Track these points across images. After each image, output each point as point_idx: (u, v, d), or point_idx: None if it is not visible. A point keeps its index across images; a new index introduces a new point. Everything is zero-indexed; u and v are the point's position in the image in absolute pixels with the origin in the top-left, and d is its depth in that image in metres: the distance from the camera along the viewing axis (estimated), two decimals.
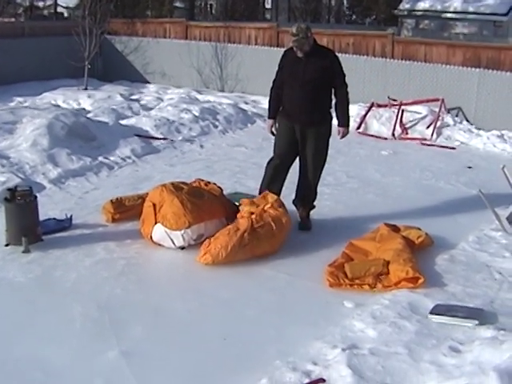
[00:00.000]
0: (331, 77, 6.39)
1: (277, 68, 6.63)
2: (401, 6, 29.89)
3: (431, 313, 4.57)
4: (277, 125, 6.71)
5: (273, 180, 6.72)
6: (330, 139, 6.70)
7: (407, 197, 7.88)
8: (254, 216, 5.92)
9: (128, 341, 4.36)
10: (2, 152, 8.50)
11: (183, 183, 6.38)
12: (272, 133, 6.80)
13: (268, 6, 38.49)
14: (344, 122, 6.62)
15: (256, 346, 4.30)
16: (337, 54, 6.69)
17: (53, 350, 4.24)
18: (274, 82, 6.73)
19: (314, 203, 6.84)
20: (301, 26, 6.28)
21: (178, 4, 31.79)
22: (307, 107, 6.40)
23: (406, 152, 10.47)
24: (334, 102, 6.62)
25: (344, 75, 6.47)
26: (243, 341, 4.37)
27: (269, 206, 6.09)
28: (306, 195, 6.77)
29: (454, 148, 10.85)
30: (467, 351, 3.99)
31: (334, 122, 6.63)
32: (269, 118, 6.83)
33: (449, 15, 27.98)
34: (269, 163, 6.77)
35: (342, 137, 6.70)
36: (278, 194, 6.61)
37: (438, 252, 5.97)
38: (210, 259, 5.54)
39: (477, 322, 4.40)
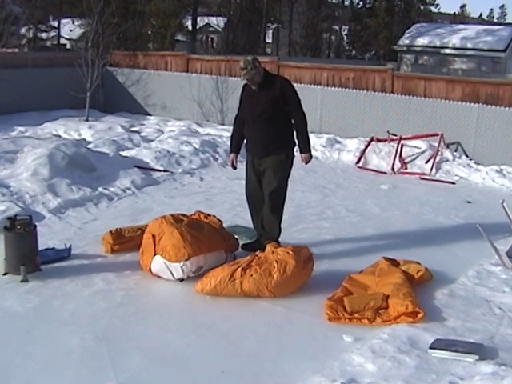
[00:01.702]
0: (284, 106, 6.39)
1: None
2: (400, 42, 30.26)
3: (431, 347, 4.54)
4: (237, 161, 6.88)
5: (255, 216, 6.84)
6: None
7: (407, 231, 7.88)
8: (259, 254, 5.87)
9: (126, 372, 4.32)
10: (2, 181, 8.52)
11: (183, 215, 6.37)
12: (233, 167, 6.92)
13: (269, 40, 38.90)
14: (304, 148, 6.61)
15: (253, 379, 4.27)
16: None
17: (49, 381, 4.21)
18: (235, 116, 6.84)
19: (278, 239, 6.70)
20: (247, 58, 6.37)
21: (179, 37, 32.08)
22: (262, 140, 6.47)
23: (405, 186, 10.50)
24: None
25: (298, 100, 6.48)
26: (241, 374, 4.34)
27: (283, 248, 5.93)
28: (267, 228, 6.68)
29: (453, 183, 10.88)
30: None
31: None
32: (230, 152, 6.96)
33: (448, 51, 28.34)
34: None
35: (306, 163, 6.69)
36: None
37: (437, 286, 5.95)
38: (200, 288, 5.59)
39: (477, 357, 4.38)
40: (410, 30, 31.27)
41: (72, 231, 7.39)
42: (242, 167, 11.28)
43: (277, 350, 4.71)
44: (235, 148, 6.87)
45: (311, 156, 6.72)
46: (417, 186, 10.57)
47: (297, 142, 6.62)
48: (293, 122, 6.56)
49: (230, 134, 13.07)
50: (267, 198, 6.58)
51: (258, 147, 6.53)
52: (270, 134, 6.43)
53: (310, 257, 5.91)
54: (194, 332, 4.96)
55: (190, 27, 31.51)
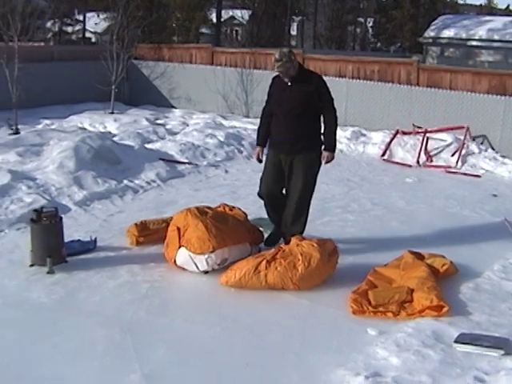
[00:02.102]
0: (317, 102, 6.25)
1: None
2: (426, 34, 29.93)
3: (456, 341, 4.52)
4: (264, 156, 6.67)
5: (273, 214, 6.72)
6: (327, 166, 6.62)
7: (432, 224, 7.82)
8: (284, 247, 5.86)
9: (150, 364, 4.35)
10: (28, 173, 8.61)
11: (208, 208, 6.39)
12: (259, 160, 6.73)
13: (293, 32, 38.78)
14: (329, 146, 6.42)
15: (278, 371, 4.28)
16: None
17: (75, 372, 4.26)
18: (263, 109, 6.69)
19: (303, 234, 6.56)
20: (283, 50, 6.20)
21: (204, 30, 32.14)
22: (292, 136, 6.29)
23: (430, 180, 10.43)
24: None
25: (331, 99, 6.34)
26: (265, 366, 4.35)
27: (307, 241, 5.92)
28: (291, 224, 6.57)
29: (479, 176, 10.78)
30: (492, 381, 3.95)
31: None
32: (257, 144, 6.80)
33: (474, 43, 27.97)
34: (260, 197, 6.71)
35: (327, 162, 6.49)
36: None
37: (462, 280, 5.91)
38: (225, 280, 5.59)
39: (502, 351, 4.35)
40: (435, 21, 30.88)
41: (97, 223, 7.44)
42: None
43: (301, 342, 4.71)
44: (262, 141, 6.69)
45: (333, 157, 6.51)
46: (442, 179, 10.48)
47: (323, 138, 6.47)
48: (323, 119, 6.42)
49: (254, 127, 13.16)
50: (296, 195, 6.43)
51: (287, 143, 6.34)
52: (301, 129, 6.27)
53: (334, 250, 5.90)
54: (218, 324, 4.98)
55: (214, 20, 31.50)
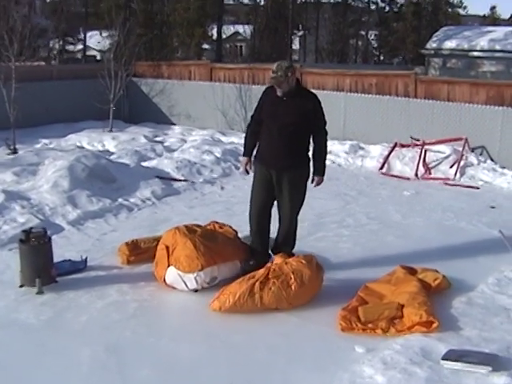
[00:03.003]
0: (311, 121, 6.17)
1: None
2: (428, 46, 29.98)
3: (443, 358, 4.45)
4: (253, 167, 6.52)
5: (254, 224, 6.58)
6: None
7: (427, 238, 7.76)
8: (273, 266, 5.79)
9: None
10: (23, 193, 8.61)
11: (197, 226, 6.36)
12: (246, 171, 6.61)
13: (296, 47, 38.90)
14: (319, 171, 6.38)
15: None
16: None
17: None
18: (251, 117, 6.55)
19: (293, 251, 6.56)
20: (282, 64, 6.06)
21: (207, 46, 32.28)
22: (284, 152, 6.18)
23: (428, 192, 10.36)
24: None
25: (325, 122, 6.29)
26: None
27: (294, 258, 5.90)
28: (284, 243, 6.55)
29: (477, 187, 10.71)
30: None
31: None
32: (244, 155, 6.64)
33: (476, 54, 27.98)
34: (250, 216, 6.59)
35: (316, 185, 6.44)
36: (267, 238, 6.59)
37: (455, 294, 5.84)
38: (218, 306, 5.45)
39: (490, 368, 4.28)
40: (437, 33, 30.94)
41: (90, 242, 7.42)
42: None
43: (287, 361, 4.66)
44: (249, 151, 6.55)
45: (323, 180, 6.49)
46: (440, 192, 10.42)
47: (313, 161, 6.37)
48: (313, 140, 6.35)
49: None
50: (288, 216, 6.41)
51: (279, 158, 6.21)
52: (294, 146, 6.18)
53: (318, 265, 5.86)
54: (204, 343, 4.94)
55: (215, 36, 31.65)
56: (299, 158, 6.27)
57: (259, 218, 6.50)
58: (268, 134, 6.27)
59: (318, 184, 6.44)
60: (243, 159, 6.64)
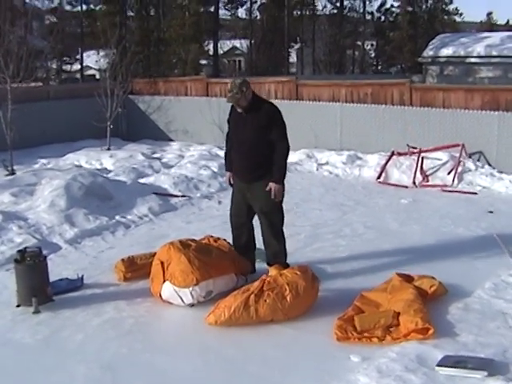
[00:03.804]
0: (268, 133, 6.21)
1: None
2: (424, 54, 30.03)
3: (439, 365, 4.44)
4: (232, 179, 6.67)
5: (234, 235, 6.72)
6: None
7: (424, 245, 7.75)
8: (268, 278, 5.78)
9: None
10: (20, 214, 8.64)
11: (192, 240, 6.37)
12: (230, 185, 6.75)
13: (293, 60, 39.01)
14: (275, 177, 6.29)
15: None
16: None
17: None
18: (226, 135, 6.75)
19: (288, 262, 6.57)
20: (236, 81, 6.21)
21: (204, 62, 32.39)
22: (249, 165, 6.31)
23: (426, 200, 10.36)
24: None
25: (283, 129, 6.28)
26: None
27: (289, 269, 5.91)
28: (272, 254, 6.57)
29: (475, 193, 10.71)
30: None
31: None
32: (226, 170, 6.85)
33: (473, 60, 28.02)
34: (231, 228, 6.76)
35: (274, 194, 6.28)
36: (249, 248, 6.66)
37: (452, 300, 5.83)
38: (213, 319, 5.44)
39: (486, 373, 4.27)
40: (433, 41, 30.99)
41: (87, 261, 7.43)
42: None
43: (282, 372, 4.65)
44: (229, 166, 6.69)
45: (282, 189, 6.35)
46: (438, 199, 10.41)
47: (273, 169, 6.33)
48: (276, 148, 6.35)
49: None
50: (265, 224, 6.47)
51: (245, 172, 6.39)
52: (257, 158, 6.26)
53: (314, 275, 5.85)
54: (200, 357, 4.93)
55: (211, 51, 31.79)
56: (264, 169, 6.30)
57: (237, 231, 6.70)
58: (235, 149, 6.51)
59: (274, 192, 6.28)
60: (226, 174, 6.85)
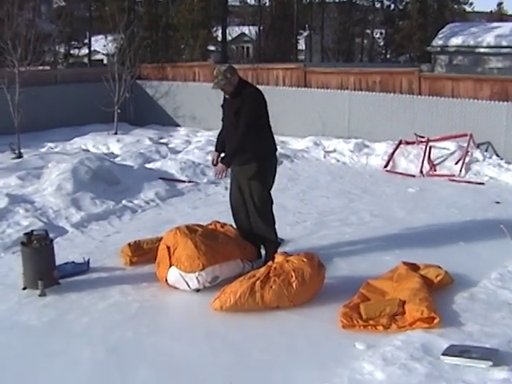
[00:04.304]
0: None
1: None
2: (433, 43, 29.86)
3: (444, 354, 4.43)
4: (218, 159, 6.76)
5: (234, 218, 6.81)
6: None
7: (431, 234, 7.73)
8: (274, 265, 5.79)
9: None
10: (27, 197, 8.66)
11: (198, 225, 6.37)
12: (213, 164, 6.85)
13: (301, 47, 38.87)
14: (224, 157, 6.46)
15: None
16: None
17: None
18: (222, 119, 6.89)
19: (277, 245, 6.69)
20: (220, 68, 6.36)
21: (213, 48, 32.31)
22: (232, 149, 6.43)
23: (433, 189, 10.33)
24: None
25: (247, 114, 6.24)
26: None
27: (295, 256, 5.90)
28: (259, 237, 6.63)
29: (482, 183, 10.67)
30: None
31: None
32: (215, 150, 6.99)
33: (482, 50, 27.86)
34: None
35: (216, 172, 6.50)
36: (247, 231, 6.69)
37: (458, 290, 5.82)
38: (219, 305, 5.45)
39: (491, 363, 4.25)
40: (443, 30, 30.83)
41: (93, 244, 7.44)
42: None
43: (288, 358, 4.66)
44: (218, 147, 6.88)
45: (223, 168, 6.40)
46: (445, 188, 10.38)
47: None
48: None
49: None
50: (252, 208, 6.56)
51: (232, 155, 6.51)
52: (238, 143, 6.34)
53: (320, 262, 5.85)
54: (205, 342, 4.94)
55: (220, 37, 31.71)
56: (247, 154, 6.37)
57: (234, 213, 6.81)
58: (223, 133, 6.73)
59: (218, 171, 6.42)
60: (212, 154, 7.15)
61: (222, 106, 6.70)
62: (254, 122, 6.33)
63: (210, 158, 6.87)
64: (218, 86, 6.34)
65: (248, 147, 6.35)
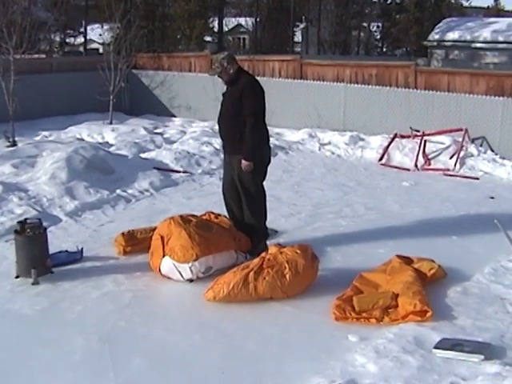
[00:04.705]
0: (241, 108, 6.30)
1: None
2: (430, 37, 29.85)
3: (436, 347, 4.44)
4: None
5: (226, 205, 6.89)
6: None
7: (425, 228, 7.75)
8: (268, 256, 5.79)
9: (126, 373, 4.34)
10: (21, 185, 8.62)
11: (192, 216, 6.36)
12: None
13: (297, 39, 38.79)
14: (244, 154, 6.38)
15: (254, 379, 4.24)
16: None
17: (48, 382, 4.24)
18: None
19: (265, 235, 6.79)
20: (218, 56, 6.44)
21: (209, 39, 32.24)
22: (228, 139, 6.54)
23: (427, 183, 10.34)
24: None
25: (253, 104, 6.29)
26: (241, 375, 4.31)
27: (289, 248, 5.90)
28: (249, 227, 6.65)
29: (477, 178, 10.68)
30: None
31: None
32: None
33: (478, 45, 27.87)
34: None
35: (245, 169, 6.43)
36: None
37: (451, 284, 5.83)
38: (212, 295, 5.44)
39: (482, 356, 4.27)
40: (440, 24, 30.81)
41: (87, 234, 7.43)
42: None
43: (280, 350, 4.66)
44: None
45: (249, 165, 6.39)
46: (439, 183, 10.39)
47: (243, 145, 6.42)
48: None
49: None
50: (243, 197, 6.62)
51: (227, 145, 6.67)
52: (234, 133, 6.41)
53: (314, 254, 5.85)
54: (198, 333, 4.94)
55: (216, 28, 31.63)
56: (240, 143, 6.40)
57: (227, 203, 6.87)
58: (218, 122, 6.72)
59: (244, 169, 6.43)
60: None
61: (223, 94, 6.72)
62: (261, 113, 6.43)
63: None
64: (214, 72, 6.43)
65: (242, 137, 6.37)
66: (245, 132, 6.32)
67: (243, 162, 6.37)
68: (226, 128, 6.53)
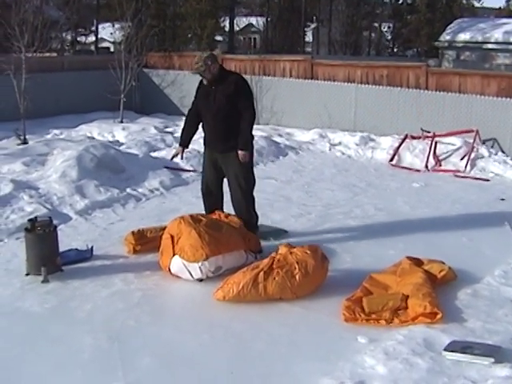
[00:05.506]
0: (236, 103, 6.48)
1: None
2: (441, 38, 29.73)
3: (446, 349, 4.42)
4: (184, 154, 7.28)
5: (206, 204, 7.04)
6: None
7: (435, 229, 7.70)
8: (278, 256, 5.77)
9: (135, 372, 4.33)
10: (31, 183, 8.66)
11: (202, 215, 6.38)
12: (172, 158, 7.34)
13: (308, 39, 38.77)
14: (241, 145, 6.61)
15: (262, 380, 4.23)
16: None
17: (58, 381, 4.24)
18: (189, 110, 7.04)
19: (257, 225, 7.03)
20: (202, 55, 6.57)
21: (219, 38, 32.24)
22: (220, 137, 6.62)
23: (438, 184, 10.30)
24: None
25: (249, 99, 6.60)
26: (250, 375, 4.30)
27: (299, 248, 5.89)
28: (242, 213, 6.82)
29: (487, 180, 10.63)
30: None
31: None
32: (179, 145, 7.21)
33: (490, 46, 27.74)
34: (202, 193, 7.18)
35: (242, 160, 6.64)
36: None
37: (461, 286, 5.80)
38: (221, 295, 5.44)
39: (493, 359, 4.24)
40: (451, 25, 30.67)
41: (97, 232, 7.44)
42: (273, 166, 11.34)
43: (289, 350, 4.65)
44: (184, 142, 7.11)
45: (248, 155, 6.70)
46: (450, 184, 10.35)
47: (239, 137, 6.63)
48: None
49: (263, 134, 13.12)
50: (238, 190, 6.79)
51: (218, 143, 6.71)
52: (229, 130, 6.56)
53: (323, 255, 5.84)
54: (207, 332, 4.93)
55: (227, 27, 31.64)
56: (236, 139, 6.58)
57: (208, 194, 7.03)
58: (205, 122, 6.80)
59: (242, 159, 6.63)
60: (177, 148, 7.28)
61: (196, 94, 6.87)
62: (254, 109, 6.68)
63: (172, 152, 7.06)
64: (198, 71, 6.53)
65: (237, 133, 6.56)
66: (240, 126, 6.52)
67: (241, 152, 6.57)
68: (221, 127, 6.61)
